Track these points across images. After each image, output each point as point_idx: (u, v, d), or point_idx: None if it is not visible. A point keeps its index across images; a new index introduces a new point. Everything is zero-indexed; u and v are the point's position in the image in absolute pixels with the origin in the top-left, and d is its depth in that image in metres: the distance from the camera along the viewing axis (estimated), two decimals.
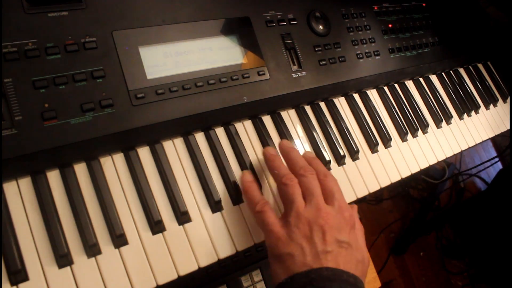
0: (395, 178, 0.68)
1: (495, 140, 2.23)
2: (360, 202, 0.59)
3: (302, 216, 0.46)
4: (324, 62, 0.67)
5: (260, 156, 0.58)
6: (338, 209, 0.48)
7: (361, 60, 0.72)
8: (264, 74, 0.61)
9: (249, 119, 0.60)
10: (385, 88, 0.76)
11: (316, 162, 0.54)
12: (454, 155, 0.77)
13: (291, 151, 0.54)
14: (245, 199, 0.53)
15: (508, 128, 0.89)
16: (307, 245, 0.44)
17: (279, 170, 0.51)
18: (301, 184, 0.50)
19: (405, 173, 0.69)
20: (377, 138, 0.68)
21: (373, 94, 0.74)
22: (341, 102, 0.70)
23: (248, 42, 0.61)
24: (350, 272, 0.43)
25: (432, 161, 0.73)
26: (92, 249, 0.44)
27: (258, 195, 0.51)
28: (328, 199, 0.49)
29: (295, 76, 0.63)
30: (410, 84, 0.80)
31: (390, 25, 0.79)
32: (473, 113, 0.85)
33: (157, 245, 0.48)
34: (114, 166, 0.50)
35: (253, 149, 0.58)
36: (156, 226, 0.48)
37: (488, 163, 1.84)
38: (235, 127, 0.59)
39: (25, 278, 0.41)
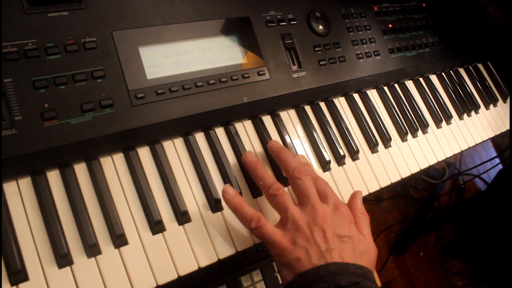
0: (395, 178, 0.68)
1: (495, 140, 2.23)
2: None
3: (300, 220, 0.47)
4: (324, 62, 0.67)
5: (260, 156, 0.58)
6: (334, 206, 0.49)
7: (361, 60, 0.72)
8: (264, 74, 0.61)
9: (249, 119, 0.60)
10: (385, 88, 0.76)
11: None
12: (454, 155, 0.77)
13: (282, 152, 0.54)
14: (236, 216, 0.50)
15: (508, 128, 0.89)
16: (311, 247, 0.45)
17: (263, 180, 0.51)
18: (296, 187, 0.50)
19: (405, 173, 0.69)
20: (377, 138, 0.68)
21: (373, 94, 0.74)
22: (341, 102, 0.70)
23: (248, 42, 0.61)
24: (357, 264, 0.44)
25: (432, 161, 0.73)
26: (92, 249, 0.44)
27: (248, 210, 0.48)
28: (323, 199, 0.50)
29: (295, 76, 0.63)
30: (410, 84, 0.80)
31: (390, 25, 0.79)
32: (473, 113, 0.85)
33: (157, 245, 0.48)
34: (114, 166, 0.50)
35: (253, 149, 0.58)
36: (156, 226, 0.48)
37: (488, 163, 1.84)
38: (235, 127, 0.59)
39: (25, 278, 0.41)
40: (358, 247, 0.47)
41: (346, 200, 0.61)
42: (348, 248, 0.46)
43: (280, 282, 0.60)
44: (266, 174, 0.52)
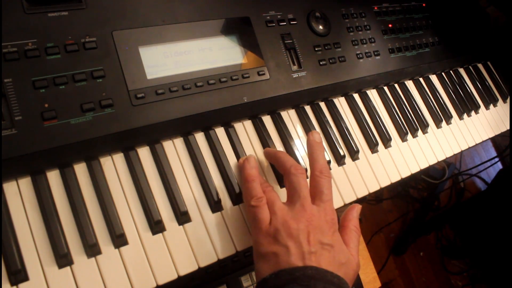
0: (395, 178, 0.68)
1: (495, 140, 2.23)
2: (360, 202, 0.59)
3: (287, 216, 0.47)
4: (324, 62, 0.67)
5: (260, 156, 0.58)
6: (323, 210, 0.48)
7: (361, 60, 0.72)
8: (264, 74, 0.61)
9: (249, 119, 0.60)
10: (385, 88, 0.76)
11: (317, 151, 0.53)
12: (454, 155, 0.77)
13: (278, 152, 0.54)
14: (243, 188, 0.51)
15: (508, 128, 0.89)
16: (293, 245, 0.44)
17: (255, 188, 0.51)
18: (289, 183, 0.50)
19: (405, 173, 0.69)
20: (377, 138, 0.68)
21: (373, 94, 0.74)
22: (341, 102, 0.70)
23: (248, 42, 0.61)
24: (334, 273, 0.43)
25: (432, 161, 0.73)
26: (92, 249, 0.44)
27: (257, 187, 0.49)
28: (316, 199, 0.49)
29: (295, 76, 0.63)
30: (410, 84, 0.80)
31: (390, 25, 0.79)
32: (473, 113, 0.85)
33: (157, 245, 0.48)
34: (114, 166, 0.50)
35: (253, 149, 0.58)
36: (156, 226, 0.48)
37: (488, 163, 1.84)
38: (235, 127, 0.59)
39: (25, 278, 0.41)
40: (338, 257, 0.46)
41: (345, 200, 0.61)
42: (328, 256, 0.45)
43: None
44: (258, 182, 0.52)
